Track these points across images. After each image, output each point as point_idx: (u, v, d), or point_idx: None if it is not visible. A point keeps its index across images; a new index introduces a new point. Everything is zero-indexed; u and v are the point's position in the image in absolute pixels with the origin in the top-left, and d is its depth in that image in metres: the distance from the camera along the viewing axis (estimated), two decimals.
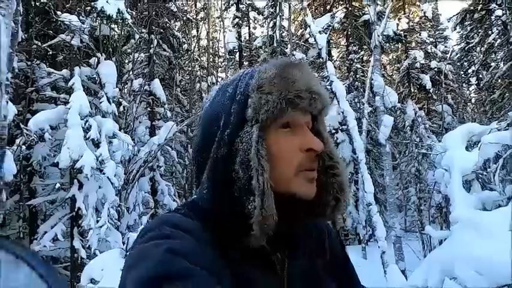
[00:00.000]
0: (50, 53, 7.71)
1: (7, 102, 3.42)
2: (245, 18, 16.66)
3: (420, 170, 10.26)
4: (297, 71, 0.60)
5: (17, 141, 5.90)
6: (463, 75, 16.35)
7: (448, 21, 15.14)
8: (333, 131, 10.27)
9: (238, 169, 0.56)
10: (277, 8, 13.22)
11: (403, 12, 15.12)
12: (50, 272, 0.32)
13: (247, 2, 16.29)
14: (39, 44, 7.29)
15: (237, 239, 0.57)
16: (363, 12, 12.46)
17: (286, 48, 12.98)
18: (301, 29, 14.14)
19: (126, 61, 9.43)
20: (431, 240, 6.85)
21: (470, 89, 17.53)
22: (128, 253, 0.58)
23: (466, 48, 15.18)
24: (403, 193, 11.14)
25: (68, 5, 7.30)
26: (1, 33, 2.10)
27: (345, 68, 14.22)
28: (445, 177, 4.17)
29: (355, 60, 13.20)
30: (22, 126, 5.78)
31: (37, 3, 7.46)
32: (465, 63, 16.06)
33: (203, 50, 14.90)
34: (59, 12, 6.58)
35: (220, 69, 16.43)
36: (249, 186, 0.55)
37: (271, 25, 14.09)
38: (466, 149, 4.11)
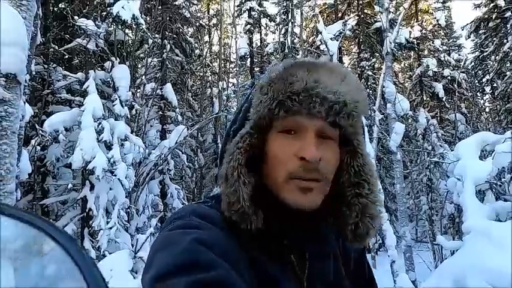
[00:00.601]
0: (66, 56, 7.90)
1: (24, 104, 3.51)
2: (257, 25, 16.79)
3: (432, 179, 10.09)
4: (304, 71, 0.57)
5: (32, 141, 6.04)
6: (477, 84, 16.09)
7: (462, 30, 15.00)
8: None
9: (224, 161, 0.60)
10: (289, 14, 13.29)
11: (415, 20, 15.02)
12: (76, 249, 0.33)
13: (259, 9, 16.43)
14: (56, 47, 7.48)
15: (264, 244, 0.58)
16: (375, 19, 12.43)
17: (298, 55, 13.01)
18: (312, 35, 14.17)
19: (139, 65, 9.59)
20: (443, 251, 6.70)
21: (485, 98, 17.24)
22: (156, 235, 0.60)
23: (481, 56, 14.98)
24: (414, 202, 10.96)
25: (85, 10, 7.49)
26: (24, 36, 2.17)
27: (356, 75, 14.14)
28: (457, 187, 4.10)
29: (367, 67, 13.14)
30: (37, 127, 5.92)
31: (55, 8, 7.68)
32: (479, 72, 15.83)
33: (215, 56, 15.05)
34: (76, 17, 6.75)
35: (231, 74, 16.54)
36: (222, 173, 0.59)
37: (282, 32, 14.17)
38: (479, 158, 4.04)
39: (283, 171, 0.57)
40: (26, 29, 2.26)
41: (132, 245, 4.90)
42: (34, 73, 6.56)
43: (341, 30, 9.36)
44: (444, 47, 15.07)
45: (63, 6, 7.14)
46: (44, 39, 6.97)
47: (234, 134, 0.61)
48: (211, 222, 0.56)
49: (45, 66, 7.34)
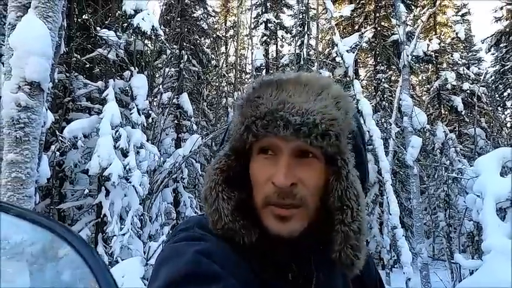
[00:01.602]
0: (88, 65, 8.15)
1: (46, 110, 3.63)
2: (273, 37, 16.96)
3: (450, 195, 9.81)
4: (269, 91, 0.54)
5: (52, 147, 6.21)
6: (497, 98, 15.69)
7: (482, 43, 14.74)
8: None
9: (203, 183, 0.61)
10: (306, 27, 13.38)
11: (434, 33, 14.86)
12: (91, 255, 0.34)
13: (276, 21, 16.62)
14: (79, 57, 7.74)
15: (269, 258, 0.57)
16: (392, 32, 12.37)
17: (313, 66, 13.04)
18: (328, 47, 14.20)
19: (157, 75, 9.81)
20: (461, 270, 6.46)
21: (506, 112, 16.76)
22: (162, 249, 0.60)
23: (501, 70, 14.63)
24: (431, 218, 10.65)
25: (106, 22, 7.75)
26: (49, 46, 2.27)
27: (372, 87, 14.04)
28: (477, 204, 3.97)
29: (383, 80, 13.02)
30: (58, 133, 6.09)
31: (79, 20, 7.98)
32: (500, 86, 15.45)
33: (231, 67, 15.25)
34: (98, 28, 6.99)
35: (246, 85, 16.69)
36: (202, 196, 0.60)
37: (298, 43, 14.25)
38: (500, 175, 3.91)
39: (261, 196, 0.55)
40: (51, 39, 2.36)
41: (144, 252, 4.93)
42: (56, 81, 6.80)
43: (357, 43, 9.34)
44: (463, 61, 14.82)
45: (86, 17, 7.42)
46: (67, 48, 7.23)
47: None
48: (215, 234, 0.56)
49: (67, 74, 7.60)
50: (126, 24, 7.37)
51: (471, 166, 6.03)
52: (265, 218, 0.55)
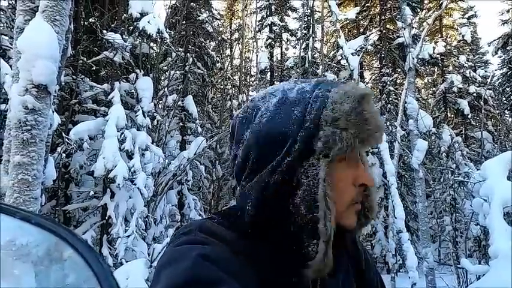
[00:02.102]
0: (94, 68, 8.23)
1: (53, 113, 3.66)
2: (278, 39, 17.00)
3: (456, 199, 9.71)
4: (369, 105, 0.58)
5: (58, 149, 6.26)
6: (504, 101, 15.55)
7: (489, 46, 14.64)
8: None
9: (300, 205, 0.54)
10: (310, 29, 13.39)
11: (440, 36, 14.79)
12: (94, 258, 0.34)
13: (281, 24, 16.66)
14: (85, 59, 7.82)
15: (272, 264, 0.56)
16: (397, 35, 12.33)
17: (318, 69, 13.03)
18: (333, 50, 14.19)
19: (162, 77, 9.87)
20: (468, 275, 6.38)
21: None
22: (162, 253, 0.60)
23: (509, 73, 14.50)
24: (437, 222, 10.55)
25: (113, 25, 7.83)
26: (56, 49, 2.29)
27: (378, 90, 14.00)
28: (484, 208, 3.93)
29: (388, 83, 12.97)
30: (64, 135, 6.15)
31: (86, 23, 8.06)
32: (507, 89, 15.31)
33: (236, 69, 15.30)
34: (104, 31, 7.06)
35: (251, 87, 16.73)
36: (312, 227, 0.53)
37: (303, 46, 14.27)
38: (507, 179, 3.86)
39: (345, 200, 0.58)
40: (58, 42, 2.39)
41: (149, 254, 4.95)
42: (63, 83, 6.87)
43: (362, 45, 9.32)
44: (470, 63, 14.72)
45: (92, 20, 7.50)
46: (74, 51, 7.32)
47: (292, 170, 0.55)
48: (218, 238, 0.55)
49: (74, 77, 7.68)
50: (132, 27, 7.43)
51: (478, 170, 5.96)
52: (348, 216, 0.60)
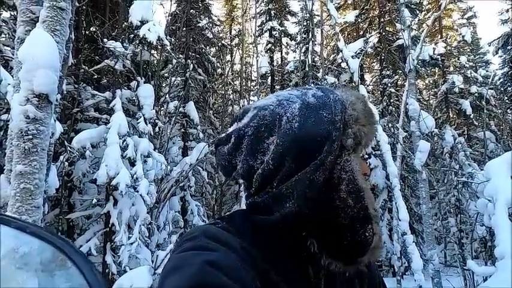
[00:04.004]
0: (95, 76, 8.29)
1: (55, 121, 3.68)
2: (278, 44, 17.07)
3: (461, 200, 9.64)
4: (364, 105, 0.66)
5: (61, 157, 6.29)
6: (507, 101, 15.50)
7: (489, 45, 14.62)
8: (366, 156, 10.00)
9: (348, 198, 0.58)
10: (310, 33, 13.44)
11: (439, 37, 14.80)
12: (90, 271, 0.34)
13: (280, 29, 16.73)
14: (87, 68, 7.88)
15: (285, 262, 0.57)
16: (397, 37, 12.35)
17: (318, 73, 13.06)
18: (333, 53, 14.22)
19: (164, 84, 9.91)
20: (475, 276, 6.31)
21: None
22: (168, 258, 0.60)
23: (510, 72, 14.47)
24: (442, 224, 10.46)
25: (113, 33, 7.89)
26: (57, 59, 2.31)
27: (379, 92, 13.99)
28: (488, 208, 3.89)
29: (389, 85, 12.97)
30: (66, 143, 6.17)
31: (87, 32, 8.14)
32: (509, 88, 15.26)
33: (236, 75, 15.35)
34: (105, 40, 7.12)
35: (252, 92, 16.78)
36: (364, 214, 0.58)
37: (303, 50, 14.31)
38: (511, 178, 3.83)
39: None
40: (59, 52, 2.40)
41: (152, 261, 4.93)
42: (65, 92, 6.91)
43: (362, 48, 9.34)
44: (470, 63, 14.70)
45: (93, 29, 7.57)
46: (75, 60, 7.38)
47: (332, 168, 0.59)
48: (222, 243, 0.55)
49: (76, 85, 7.73)
50: (132, 35, 7.49)
51: (481, 170, 5.93)
52: None
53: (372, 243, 0.58)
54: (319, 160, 0.58)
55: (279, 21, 16.90)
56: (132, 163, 6.36)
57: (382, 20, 13.29)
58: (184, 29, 10.56)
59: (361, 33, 13.61)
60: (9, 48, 6.43)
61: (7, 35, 7.04)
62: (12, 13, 7.15)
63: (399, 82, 13.46)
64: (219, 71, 13.27)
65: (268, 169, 0.60)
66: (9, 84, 4.59)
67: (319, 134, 0.59)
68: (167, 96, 8.92)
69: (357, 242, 0.58)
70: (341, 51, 7.38)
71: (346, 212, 0.58)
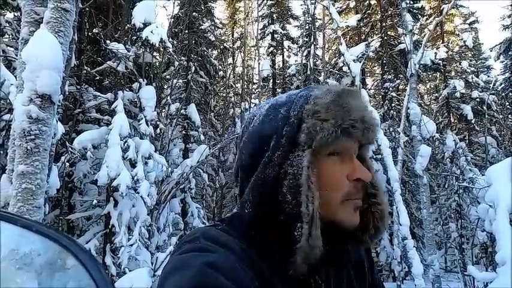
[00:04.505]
0: (98, 78, 8.32)
1: (57, 122, 3.69)
2: (280, 47, 17.12)
3: (461, 205, 9.60)
4: (352, 99, 0.61)
5: (62, 158, 6.29)
6: (508, 106, 15.49)
7: (491, 51, 14.65)
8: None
9: (286, 193, 0.56)
10: (312, 37, 13.48)
11: (441, 41, 14.82)
12: (96, 269, 0.34)
13: (282, 32, 16.78)
14: (89, 69, 7.91)
15: (276, 262, 0.57)
16: (399, 41, 12.37)
17: (320, 76, 13.07)
18: (335, 57, 14.25)
19: (165, 86, 9.94)
20: (475, 282, 6.28)
21: None
22: (168, 260, 0.60)
23: (511, 78, 14.47)
24: (442, 229, 10.42)
25: (116, 35, 7.93)
26: (60, 60, 2.32)
27: (380, 96, 14.00)
28: (489, 214, 3.88)
29: (391, 89, 12.98)
30: (68, 144, 6.18)
31: (90, 33, 8.18)
32: (510, 94, 15.26)
33: (238, 77, 15.39)
34: (108, 41, 7.15)
35: (253, 95, 16.81)
36: (297, 212, 0.55)
37: (305, 53, 14.35)
38: None
39: (339, 194, 0.58)
40: (62, 53, 2.42)
41: (152, 263, 4.92)
42: (67, 93, 6.93)
43: (364, 52, 9.36)
44: (472, 68, 14.71)
45: (96, 31, 7.60)
46: (78, 61, 7.41)
47: (281, 163, 0.58)
48: (222, 245, 0.55)
49: (78, 87, 7.75)
50: (135, 37, 7.52)
51: (482, 175, 5.91)
52: (345, 213, 0.59)
53: (300, 242, 0.53)
54: (266, 157, 0.58)
55: (281, 24, 16.97)
56: (133, 164, 6.37)
57: (384, 24, 13.32)
58: (187, 31, 10.60)
59: (363, 37, 13.65)
60: (12, 49, 6.46)
61: (10, 36, 7.08)
62: (15, 14, 7.19)
63: (400, 86, 13.47)
64: (221, 73, 13.31)
65: (236, 167, 0.64)
66: (12, 84, 4.61)
67: (269, 131, 0.60)
68: (169, 98, 8.94)
69: (287, 240, 0.55)
70: (343, 55, 7.40)
71: (284, 207, 0.56)
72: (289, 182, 0.56)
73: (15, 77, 3.78)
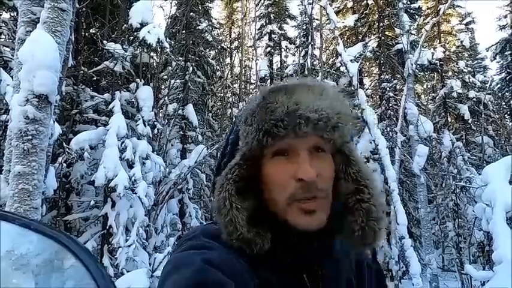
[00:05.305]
0: (95, 78, 8.28)
1: (54, 123, 3.67)
2: (277, 47, 17.13)
3: (459, 204, 9.65)
4: (282, 95, 0.59)
5: (59, 159, 6.26)
6: (504, 106, 15.57)
7: (487, 51, 14.73)
8: (364, 160, 10.01)
9: (215, 193, 0.61)
10: (309, 37, 13.50)
11: (438, 42, 14.88)
12: (96, 267, 0.34)
13: (280, 32, 16.80)
14: (86, 69, 7.88)
15: (272, 258, 0.58)
16: (396, 41, 12.40)
17: (317, 76, 13.08)
18: (332, 57, 14.28)
19: (163, 87, 9.91)
20: (472, 281, 6.31)
21: None
22: (168, 258, 0.62)
23: (507, 78, 14.56)
24: (440, 228, 10.47)
25: (113, 35, 7.90)
26: (57, 60, 2.31)
27: (377, 96, 14.04)
28: (486, 213, 3.90)
29: (388, 89, 13.01)
30: (65, 145, 6.15)
31: (86, 34, 8.14)
32: (507, 94, 15.35)
33: (236, 77, 15.38)
34: (105, 42, 7.12)
35: (251, 95, 16.82)
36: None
37: (302, 54, 14.37)
38: (509, 183, 3.84)
39: (283, 195, 0.57)
40: (59, 53, 2.41)
41: (150, 264, 4.91)
42: (64, 94, 6.91)
43: (361, 52, 9.38)
44: (469, 69, 14.78)
45: (93, 31, 7.58)
46: (75, 62, 7.38)
47: (224, 167, 0.62)
48: (221, 242, 0.56)
49: (75, 87, 7.72)
50: (132, 37, 7.50)
51: (479, 175, 5.94)
52: (292, 215, 0.57)
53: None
54: (217, 164, 0.65)
55: (279, 24, 16.98)
56: (131, 165, 6.35)
57: (381, 24, 13.36)
58: (184, 31, 10.58)
59: (360, 37, 13.68)
60: (8, 49, 6.42)
61: (7, 36, 7.04)
62: (12, 14, 7.15)
63: (398, 86, 13.50)
64: (219, 73, 13.29)
65: None
66: (8, 85, 4.59)
67: (224, 142, 0.67)
68: (166, 98, 8.92)
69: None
70: (340, 55, 7.41)
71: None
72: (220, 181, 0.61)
73: (12, 77, 3.76)
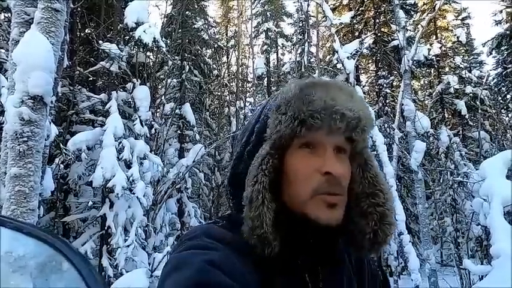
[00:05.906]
0: (91, 78, 8.25)
1: (50, 124, 3.66)
2: (274, 45, 17.11)
3: (456, 200, 9.68)
4: (319, 90, 0.59)
5: (56, 160, 6.24)
6: (501, 101, 15.62)
7: (483, 46, 14.75)
8: None
9: (247, 182, 0.59)
10: (306, 34, 13.49)
11: (434, 37, 14.91)
12: (89, 271, 0.34)
13: (276, 30, 16.77)
14: (82, 70, 7.84)
15: (276, 258, 0.56)
16: (392, 38, 12.42)
17: (314, 74, 13.08)
18: (329, 54, 14.27)
19: (159, 86, 9.88)
20: (471, 275, 6.35)
21: (510, 115, 16.65)
22: (168, 258, 0.60)
23: (504, 73, 14.61)
24: (438, 224, 10.51)
25: (109, 35, 7.87)
26: (51, 60, 2.30)
27: (374, 93, 14.06)
28: (484, 208, 3.91)
29: (385, 85, 13.03)
30: (62, 146, 6.13)
31: (82, 34, 8.10)
32: (503, 89, 15.40)
33: (232, 76, 15.35)
34: (100, 42, 7.09)
35: (248, 94, 16.79)
36: (249, 197, 0.57)
37: (299, 51, 14.35)
38: (506, 178, 3.86)
39: (308, 188, 0.57)
40: (54, 53, 2.39)
41: (149, 264, 4.90)
42: (60, 94, 6.87)
43: (358, 49, 9.38)
44: (465, 64, 14.82)
45: (88, 31, 7.54)
46: (70, 62, 7.34)
47: (250, 156, 0.61)
48: (222, 242, 0.56)
49: (71, 88, 7.68)
50: (128, 37, 7.47)
51: (477, 170, 5.96)
52: (315, 208, 0.57)
53: (244, 225, 0.57)
54: (237, 152, 0.63)
55: (275, 22, 16.95)
56: (128, 165, 6.33)
57: (377, 21, 13.37)
58: (180, 30, 10.54)
59: (357, 34, 13.68)
60: (3, 51, 6.38)
61: (1, 37, 6.99)
62: (6, 15, 7.10)
63: (395, 83, 13.53)
64: (215, 72, 13.26)
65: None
66: (3, 86, 4.55)
67: (244, 130, 0.66)
68: (163, 98, 8.90)
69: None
70: (337, 52, 7.41)
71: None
72: (250, 173, 0.59)
73: (7, 78, 3.73)
